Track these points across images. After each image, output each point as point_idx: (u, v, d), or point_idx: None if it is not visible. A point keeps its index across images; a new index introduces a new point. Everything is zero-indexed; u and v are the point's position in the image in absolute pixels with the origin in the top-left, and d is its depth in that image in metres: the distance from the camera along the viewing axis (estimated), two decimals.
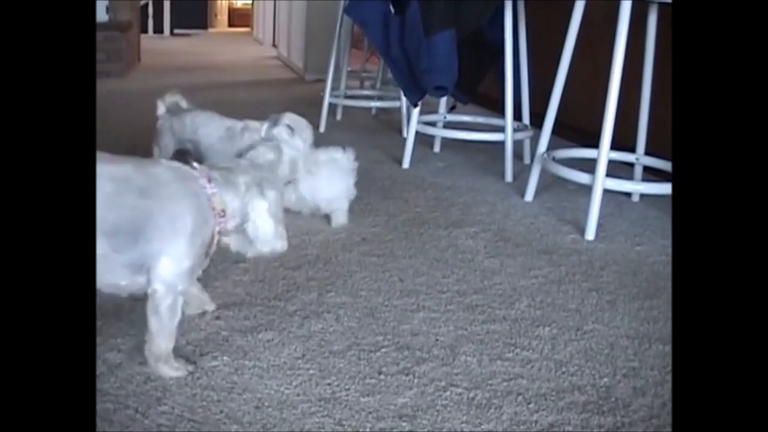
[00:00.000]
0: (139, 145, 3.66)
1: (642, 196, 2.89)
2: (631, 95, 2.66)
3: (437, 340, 1.63)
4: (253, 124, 2.35)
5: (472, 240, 2.28)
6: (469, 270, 2.05)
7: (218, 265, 1.99)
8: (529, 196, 2.80)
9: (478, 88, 3.48)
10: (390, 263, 2.07)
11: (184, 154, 2.35)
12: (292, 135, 2.24)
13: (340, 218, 2.37)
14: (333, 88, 4.16)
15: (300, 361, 1.50)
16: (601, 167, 2.41)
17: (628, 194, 2.89)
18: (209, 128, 2.39)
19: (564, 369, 1.53)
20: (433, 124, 3.50)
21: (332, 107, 4.23)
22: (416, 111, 3.16)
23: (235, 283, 1.89)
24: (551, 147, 2.77)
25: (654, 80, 2.82)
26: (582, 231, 2.40)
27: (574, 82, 2.79)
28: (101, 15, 6.25)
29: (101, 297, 1.37)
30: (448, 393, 1.42)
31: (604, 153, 2.41)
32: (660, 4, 2.70)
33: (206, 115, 2.44)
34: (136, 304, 1.72)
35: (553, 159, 2.71)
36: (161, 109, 2.46)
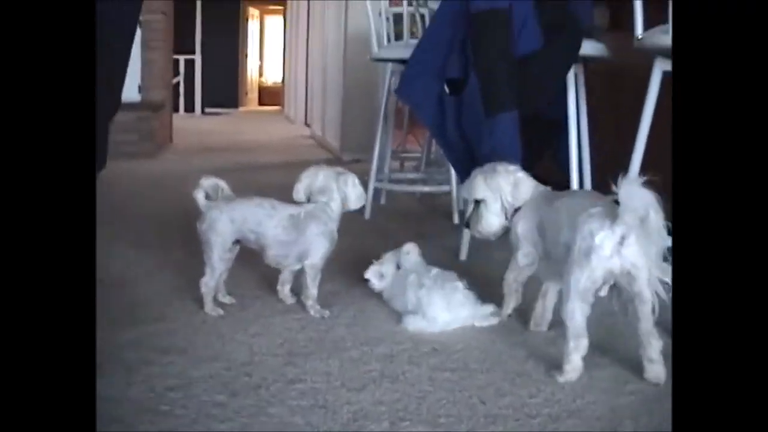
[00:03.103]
0: (169, 226, 3.48)
1: None
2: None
3: None
4: (311, 207, 2.29)
5: (553, 347, 2.02)
6: (556, 387, 1.79)
7: (271, 386, 1.75)
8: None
9: (535, 170, 3.27)
10: (466, 380, 1.82)
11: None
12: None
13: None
14: (377, 171, 3.95)
15: None
16: None
17: None
18: (273, 219, 2.25)
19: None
20: None
21: (376, 191, 4.01)
22: None
23: (292, 410, 1.64)
24: None
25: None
26: None
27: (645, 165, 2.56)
28: (134, 95, 6.15)
29: None
30: None
31: None
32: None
33: (268, 205, 2.28)
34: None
35: None
36: (200, 195, 2.26)
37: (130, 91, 6.02)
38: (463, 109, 2.72)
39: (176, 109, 10.13)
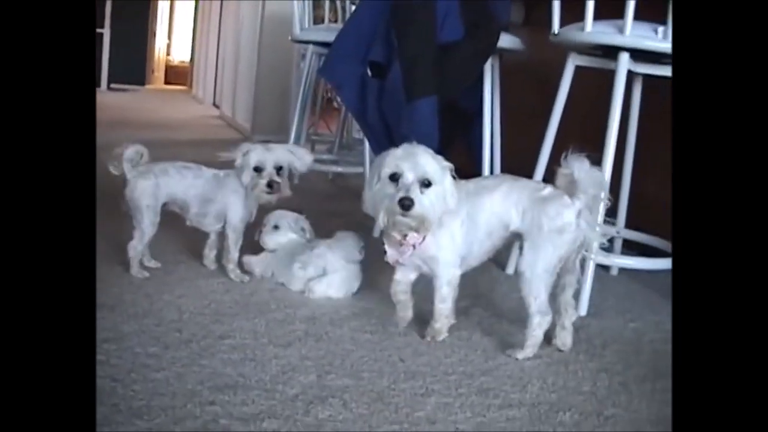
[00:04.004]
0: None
1: (621, 270, 2.84)
2: (613, 169, 2.62)
3: (457, 428, 1.50)
4: (233, 171, 2.37)
5: (464, 316, 2.16)
6: (469, 350, 1.93)
7: (201, 341, 1.84)
8: (510, 268, 2.71)
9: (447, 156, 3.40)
10: (385, 341, 1.94)
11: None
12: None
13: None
14: None
15: None
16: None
17: (607, 268, 2.83)
18: (200, 180, 2.39)
19: None
20: None
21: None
22: None
23: (223, 362, 1.73)
24: None
25: (636, 154, 2.78)
26: None
27: (555, 153, 2.72)
28: None
29: None
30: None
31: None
32: (644, 76, 2.67)
33: (195, 166, 2.43)
34: (117, 385, 1.57)
35: None
36: (126, 164, 2.31)
37: None
38: (384, 92, 2.83)
39: None
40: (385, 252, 1.95)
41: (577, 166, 1.83)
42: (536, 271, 1.86)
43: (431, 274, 1.95)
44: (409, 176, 1.78)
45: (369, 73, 2.93)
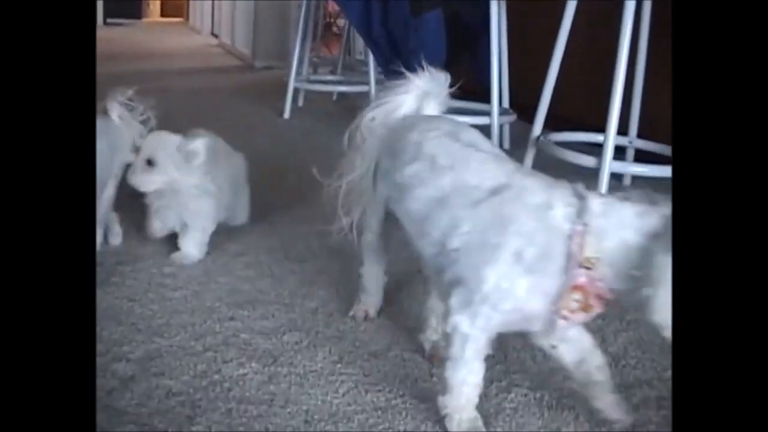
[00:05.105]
0: None
1: (634, 178, 2.81)
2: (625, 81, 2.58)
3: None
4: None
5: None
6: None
7: (217, 260, 1.82)
8: None
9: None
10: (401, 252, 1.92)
11: None
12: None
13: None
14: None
15: (339, 366, 1.34)
16: (609, 150, 2.30)
17: (619, 177, 2.80)
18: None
19: (624, 363, 1.41)
20: None
21: (295, 92, 4.04)
22: None
23: (240, 279, 1.72)
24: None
25: (647, 65, 2.73)
26: None
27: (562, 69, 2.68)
28: None
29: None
30: (512, 395, 1.28)
31: (611, 135, 2.30)
32: None
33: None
34: (134, 305, 1.56)
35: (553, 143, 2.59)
36: (114, 112, 1.81)
37: None
38: (389, 9, 2.78)
39: None
40: None
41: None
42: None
43: None
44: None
45: None
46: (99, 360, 1.31)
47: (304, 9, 3.88)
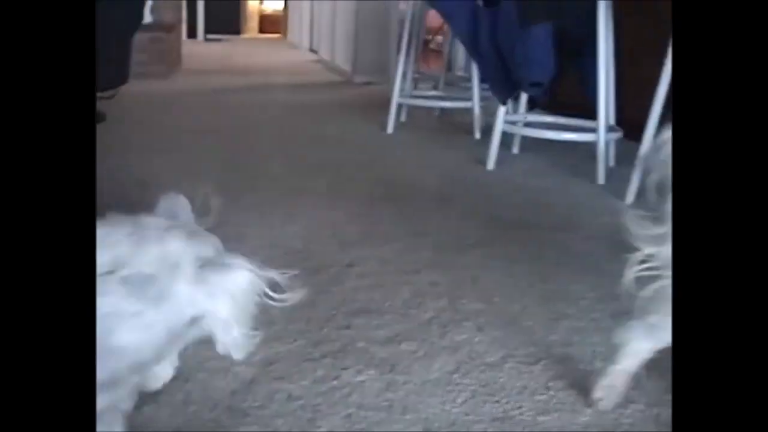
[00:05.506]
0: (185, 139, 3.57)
1: None
2: None
3: (594, 351, 1.47)
4: None
5: (587, 244, 2.12)
6: (597, 275, 1.89)
7: (329, 269, 1.85)
8: (630, 197, 2.64)
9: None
10: (514, 266, 1.92)
11: None
12: None
13: None
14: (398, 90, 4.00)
15: (456, 376, 1.35)
16: None
17: None
18: None
19: None
20: (512, 124, 3.34)
21: (398, 108, 4.07)
22: (502, 110, 3.00)
23: (354, 289, 1.74)
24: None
25: None
26: None
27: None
28: (146, 15, 6.13)
29: None
30: (629, 411, 1.26)
31: None
32: None
33: None
34: None
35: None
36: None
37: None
38: (498, 21, 2.78)
39: None
40: None
41: None
42: None
43: None
44: None
45: (480, 2, 2.88)
46: (219, 362, 1.35)
47: (408, 25, 3.92)
